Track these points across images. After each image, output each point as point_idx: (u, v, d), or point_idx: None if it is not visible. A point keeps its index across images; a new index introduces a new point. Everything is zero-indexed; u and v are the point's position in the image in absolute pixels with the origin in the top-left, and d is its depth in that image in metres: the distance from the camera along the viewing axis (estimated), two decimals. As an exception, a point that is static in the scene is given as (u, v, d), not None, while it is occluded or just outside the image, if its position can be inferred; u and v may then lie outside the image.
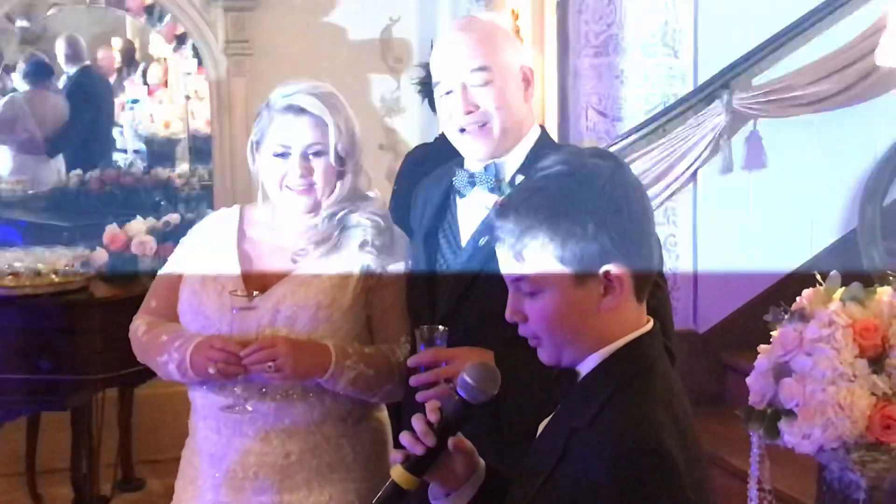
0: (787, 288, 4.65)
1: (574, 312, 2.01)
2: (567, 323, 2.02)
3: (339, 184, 3.04)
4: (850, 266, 3.53)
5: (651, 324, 2.08)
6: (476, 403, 2.14)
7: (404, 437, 2.14)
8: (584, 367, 2.05)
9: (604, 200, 1.98)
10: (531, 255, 2.00)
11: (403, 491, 2.14)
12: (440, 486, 2.21)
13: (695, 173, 5.54)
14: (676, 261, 5.47)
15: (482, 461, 2.22)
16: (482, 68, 2.83)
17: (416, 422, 2.14)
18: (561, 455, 1.98)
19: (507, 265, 2.04)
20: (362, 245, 3.04)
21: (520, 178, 2.81)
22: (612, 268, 1.98)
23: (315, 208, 3.04)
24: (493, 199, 2.84)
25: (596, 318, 2.01)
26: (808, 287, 3.23)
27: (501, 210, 2.06)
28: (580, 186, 1.99)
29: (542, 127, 3.00)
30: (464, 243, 2.91)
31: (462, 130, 2.87)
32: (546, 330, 2.03)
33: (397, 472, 2.14)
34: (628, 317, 2.04)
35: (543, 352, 2.07)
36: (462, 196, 2.94)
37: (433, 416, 2.14)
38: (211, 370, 2.89)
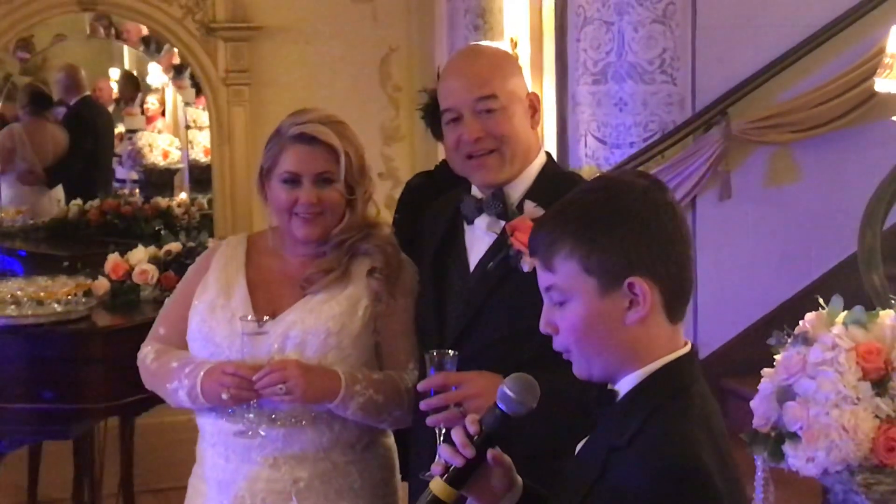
0: (786, 314, 4.65)
1: (600, 323, 2.03)
2: (593, 333, 2.04)
3: (348, 212, 3.06)
4: (851, 290, 3.54)
5: (689, 346, 2.11)
6: (516, 416, 2.15)
7: (444, 450, 2.16)
8: (623, 387, 2.07)
9: (632, 213, 2.02)
10: (559, 264, 2.04)
11: (442, 503, 2.15)
12: (477, 500, 2.22)
13: (694, 199, 5.57)
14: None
15: (519, 478, 2.23)
16: (490, 96, 2.87)
17: (456, 434, 2.16)
18: (599, 474, 2.00)
19: (540, 275, 2.09)
20: (371, 272, 3.06)
21: (528, 204, 2.84)
22: (635, 280, 2.01)
23: (324, 236, 3.06)
24: (501, 224, 2.87)
25: (624, 332, 2.03)
26: (806, 312, 3.25)
27: (538, 221, 2.13)
28: (610, 199, 2.04)
29: (548, 153, 3.03)
30: (472, 269, 2.93)
31: (470, 157, 2.89)
32: (574, 340, 2.06)
33: (437, 485, 2.15)
34: (661, 336, 2.06)
35: (575, 365, 2.10)
36: (469, 222, 2.96)
37: (473, 428, 2.15)
38: (224, 395, 2.90)
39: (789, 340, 3.21)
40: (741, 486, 2.05)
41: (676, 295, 2.07)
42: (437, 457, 2.20)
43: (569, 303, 2.04)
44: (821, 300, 3.26)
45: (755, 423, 3.22)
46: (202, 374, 2.97)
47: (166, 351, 3.14)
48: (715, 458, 1.95)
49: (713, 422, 2.04)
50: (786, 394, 3.14)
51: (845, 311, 3.19)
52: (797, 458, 3.08)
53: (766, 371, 3.25)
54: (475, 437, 2.14)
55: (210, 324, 3.06)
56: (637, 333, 2.04)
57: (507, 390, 2.15)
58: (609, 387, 2.10)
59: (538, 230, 2.09)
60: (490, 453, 2.15)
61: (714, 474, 1.92)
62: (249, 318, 2.95)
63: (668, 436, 1.96)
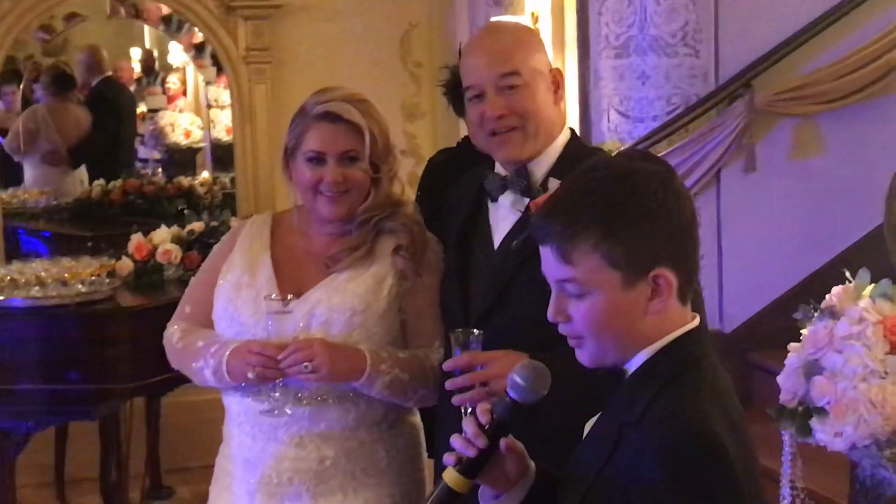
0: (812, 287, 4.64)
1: (622, 315, 2.02)
2: (614, 325, 2.03)
3: (373, 190, 3.06)
4: (877, 263, 3.51)
5: (697, 320, 2.10)
6: (526, 404, 2.13)
7: (456, 440, 2.14)
8: (632, 365, 2.06)
9: (656, 205, 2.00)
10: (580, 257, 2.00)
11: (456, 494, 2.13)
12: (491, 487, 2.20)
13: (718, 172, 5.54)
14: (701, 261, 5.44)
15: (532, 462, 2.22)
16: (513, 72, 2.85)
17: (468, 424, 2.14)
18: (612, 451, 2.00)
19: (554, 266, 2.04)
20: (396, 250, 3.06)
21: (552, 181, 2.83)
22: (661, 271, 2.00)
23: (349, 214, 3.06)
24: (525, 202, 2.86)
25: (642, 321, 2.02)
26: (833, 285, 3.23)
27: (549, 210, 2.07)
28: (633, 190, 2.00)
29: (572, 129, 3.02)
30: (496, 246, 2.92)
31: (493, 134, 2.88)
32: (592, 332, 2.04)
33: (450, 476, 2.13)
34: (673, 316, 2.05)
35: (585, 353, 2.08)
36: (493, 200, 2.95)
37: (484, 418, 2.13)
38: (250, 374, 2.90)
39: (816, 314, 3.19)
40: (755, 458, 2.04)
41: (690, 278, 2.07)
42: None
43: (588, 296, 2.01)
44: (847, 273, 3.24)
45: (782, 397, 3.20)
46: (228, 353, 2.97)
47: (192, 330, 3.15)
48: (728, 429, 1.94)
49: (725, 395, 2.04)
50: (813, 368, 3.12)
51: (872, 285, 3.17)
52: (825, 433, 3.06)
53: (792, 345, 3.23)
54: (487, 427, 2.12)
55: (235, 303, 3.06)
56: (653, 320, 2.03)
57: (517, 378, 2.13)
58: (617, 367, 2.09)
59: (552, 221, 2.04)
60: (503, 442, 2.14)
61: (727, 445, 1.91)
62: (274, 296, 2.95)
63: (680, 409, 1.95)
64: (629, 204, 2.00)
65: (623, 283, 2.00)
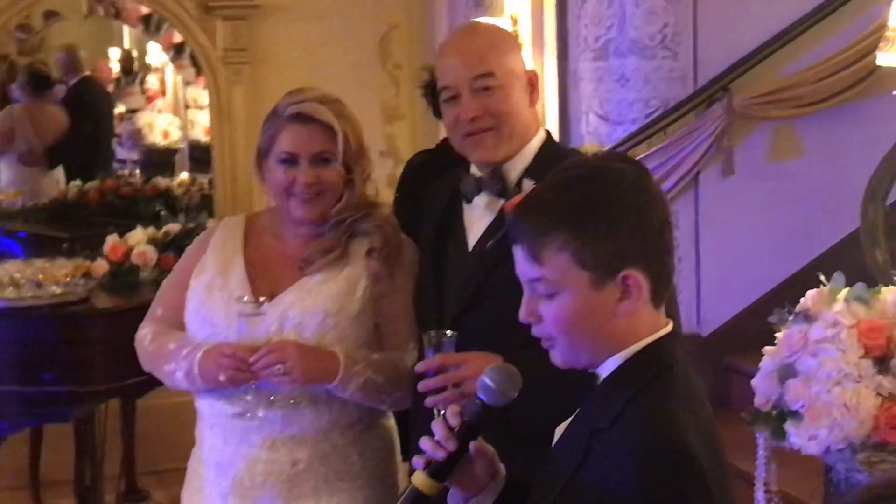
0: (789, 290, 4.63)
1: (591, 315, 2.00)
2: (583, 325, 2.01)
3: (346, 191, 3.05)
4: (853, 266, 3.51)
5: (670, 326, 2.08)
6: (497, 406, 2.12)
7: (425, 443, 2.13)
8: (604, 370, 2.05)
9: (627, 205, 1.99)
10: (550, 256, 1.99)
11: (425, 497, 2.12)
12: (461, 490, 2.19)
13: (697, 175, 5.54)
14: (679, 264, 5.46)
15: (502, 466, 2.21)
16: (488, 73, 2.84)
17: (437, 426, 2.13)
18: (583, 457, 1.98)
19: (525, 265, 2.04)
20: (370, 252, 3.04)
21: (527, 182, 2.82)
22: (630, 272, 1.98)
23: (323, 216, 3.04)
24: (500, 203, 2.85)
25: (613, 323, 2.01)
26: (808, 289, 3.23)
27: (522, 209, 2.06)
28: (604, 190, 2.00)
29: (548, 131, 3.01)
30: (471, 248, 2.92)
31: (468, 135, 2.87)
32: (562, 332, 2.03)
33: (419, 478, 2.12)
34: (645, 320, 2.04)
35: (557, 353, 2.07)
36: (468, 201, 2.94)
37: (454, 421, 2.12)
38: (221, 377, 2.89)
39: (791, 318, 3.19)
40: (727, 466, 2.03)
41: (663, 282, 2.05)
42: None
43: (558, 295, 2.00)
44: (822, 277, 3.24)
45: (756, 401, 3.20)
46: (200, 355, 2.95)
47: (164, 332, 3.13)
48: (700, 438, 1.93)
49: (697, 402, 2.02)
50: (787, 371, 3.12)
51: (847, 288, 3.17)
52: (799, 437, 3.07)
53: (767, 349, 3.23)
54: (456, 429, 2.11)
55: (208, 305, 3.05)
56: (625, 322, 2.01)
57: (487, 380, 2.12)
58: (590, 370, 2.08)
59: (523, 219, 2.04)
60: (473, 445, 2.13)
61: (699, 454, 1.90)
62: (247, 299, 2.94)
63: (652, 416, 1.94)
64: (599, 203, 1.99)
65: (592, 283, 1.99)
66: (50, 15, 8.14)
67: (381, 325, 3.06)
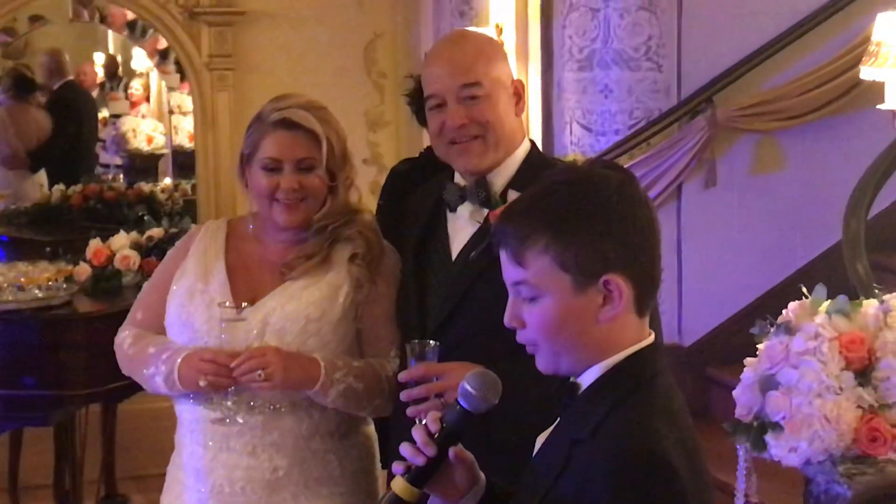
0: (771, 302, 4.66)
1: (572, 320, 2.00)
2: (565, 330, 2.01)
3: (329, 198, 3.04)
4: (835, 279, 3.53)
5: (652, 337, 2.08)
6: (477, 413, 2.12)
7: (405, 448, 2.12)
8: (585, 380, 2.04)
9: (609, 209, 1.99)
10: (532, 259, 1.99)
11: (405, 503, 2.12)
12: (441, 497, 2.18)
13: (679, 187, 5.55)
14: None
15: (482, 474, 2.20)
16: (475, 83, 2.84)
17: (417, 432, 2.12)
18: (562, 468, 1.98)
19: (509, 268, 2.04)
20: (352, 258, 3.03)
21: (511, 193, 2.82)
22: (612, 277, 1.98)
23: (305, 222, 3.03)
24: (484, 213, 2.85)
25: (595, 328, 2.01)
26: (790, 301, 3.24)
27: (506, 212, 2.07)
28: (587, 194, 2.00)
29: (532, 141, 3.01)
30: (454, 257, 2.91)
31: (453, 143, 2.87)
32: (544, 337, 2.03)
33: (398, 485, 2.12)
34: (629, 329, 2.04)
35: (541, 359, 2.06)
36: (452, 210, 2.94)
37: (434, 426, 2.12)
38: (201, 382, 2.88)
39: (772, 329, 3.20)
40: (707, 479, 2.03)
41: (648, 289, 2.05)
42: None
43: (540, 299, 2.00)
44: (804, 289, 3.24)
45: (737, 412, 3.20)
46: (179, 360, 2.94)
47: (143, 336, 3.12)
48: (679, 450, 1.93)
49: (678, 414, 2.02)
50: (768, 383, 3.12)
51: (829, 301, 3.18)
52: (779, 448, 3.07)
53: (748, 360, 3.23)
54: (436, 435, 2.11)
55: (188, 309, 3.03)
56: (608, 329, 2.01)
57: (467, 386, 2.11)
58: (571, 379, 2.07)
59: (508, 222, 2.04)
60: (452, 451, 2.12)
61: (678, 466, 1.89)
62: (228, 304, 2.93)
63: (632, 428, 1.94)
64: (582, 207, 1.99)
65: (573, 287, 1.99)
66: (35, 18, 8.12)
67: (362, 331, 3.05)
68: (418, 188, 3.21)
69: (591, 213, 1.98)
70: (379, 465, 3.21)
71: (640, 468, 1.88)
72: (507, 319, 2.07)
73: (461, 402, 2.12)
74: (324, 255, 3.03)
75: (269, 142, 3.00)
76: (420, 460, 2.11)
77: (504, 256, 2.05)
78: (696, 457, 1.99)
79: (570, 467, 1.97)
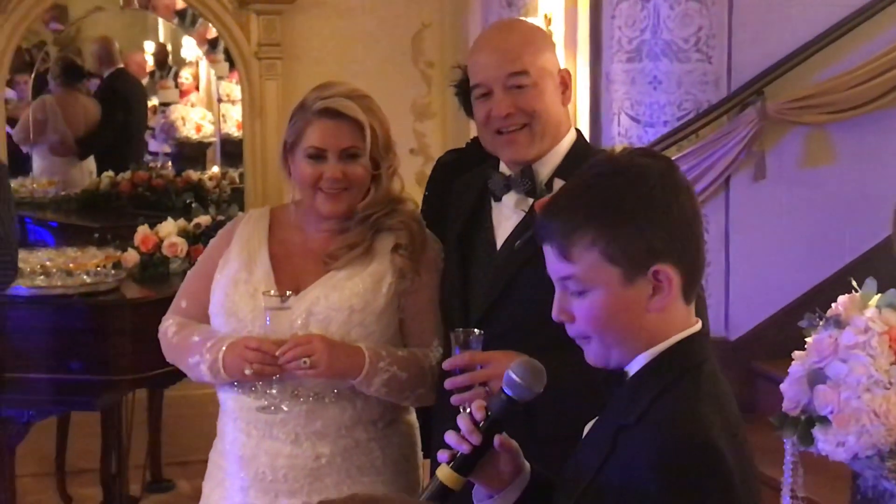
0: (819, 296, 4.61)
1: (623, 311, 2.00)
2: (616, 322, 2.00)
3: (373, 187, 3.04)
4: (885, 273, 3.49)
5: (700, 324, 2.07)
6: (522, 401, 2.12)
7: (450, 436, 2.13)
8: (633, 367, 2.04)
9: (654, 199, 1.98)
10: (580, 254, 1.99)
11: (450, 490, 2.12)
12: (485, 486, 2.19)
13: (728, 180, 5.52)
14: (708, 267, 5.43)
15: (527, 463, 2.20)
16: (522, 72, 2.83)
17: (462, 420, 2.13)
18: (608, 454, 1.97)
19: (555, 264, 2.03)
20: (395, 248, 3.03)
21: (557, 182, 2.81)
22: (660, 267, 1.97)
23: (349, 211, 3.04)
24: (529, 202, 2.84)
25: (645, 318, 2.00)
26: (838, 295, 3.21)
27: (550, 208, 2.05)
28: (630, 185, 1.99)
29: (578, 131, 3.00)
30: (499, 246, 2.90)
31: (499, 133, 2.86)
32: (595, 330, 2.02)
33: (443, 472, 2.12)
34: (677, 317, 2.03)
35: (591, 352, 2.06)
36: (497, 199, 2.93)
37: (479, 414, 2.12)
38: (247, 371, 2.89)
39: (821, 323, 3.17)
40: (753, 466, 2.02)
41: (694, 276, 2.05)
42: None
43: (589, 292, 2.00)
44: (854, 283, 3.22)
45: (785, 406, 3.18)
46: (224, 348, 2.95)
47: (188, 324, 3.13)
48: (726, 437, 1.92)
49: (724, 401, 2.01)
50: (817, 377, 3.10)
51: (879, 295, 3.15)
52: (827, 443, 3.05)
53: (797, 354, 3.22)
54: (481, 423, 2.11)
55: (233, 298, 3.04)
56: (657, 318, 2.01)
57: (513, 375, 2.12)
58: (620, 368, 2.07)
59: (552, 218, 2.03)
60: (497, 439, 2.12)
61: (724, 452, 1.89)
62: (272, 292, 2.93)
63: (678, 414, 1.93)
64: (626, 198, 1.98)
65: (623, 279, 1.98)
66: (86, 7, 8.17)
67: (405, 321, 3.05)
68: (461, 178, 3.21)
69: (635, 204, 1.97)
70: (420, 454, 3.21)
71: (687, 454, 1.88)
72: (556, 313, 2.06)
73: (506, 391, 2.12)
74: (367, 245, 3.03)
75: (313, 130, 3.00)
76: (465, 448, 2.11)
77: (549, 252, 2.04)
78: (743, 443, 1.99)
79: (615, 454, 1.97)
